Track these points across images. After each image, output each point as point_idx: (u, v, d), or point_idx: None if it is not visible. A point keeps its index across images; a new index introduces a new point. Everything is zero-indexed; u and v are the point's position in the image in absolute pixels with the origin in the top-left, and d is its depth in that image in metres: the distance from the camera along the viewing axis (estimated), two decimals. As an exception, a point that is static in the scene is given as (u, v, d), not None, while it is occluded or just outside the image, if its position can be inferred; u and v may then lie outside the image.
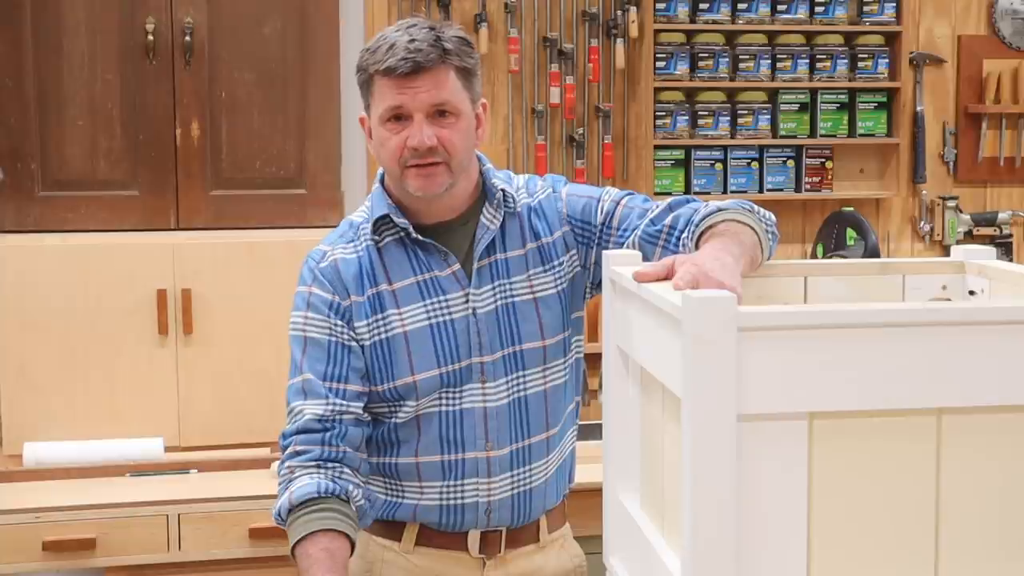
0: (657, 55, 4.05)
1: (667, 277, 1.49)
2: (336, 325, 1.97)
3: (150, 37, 3.42)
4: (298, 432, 1.95)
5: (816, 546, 1.29)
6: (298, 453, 1.94)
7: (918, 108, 4.32)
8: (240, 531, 3.19)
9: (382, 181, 2.03)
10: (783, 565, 1.29)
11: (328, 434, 1.94)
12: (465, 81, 1.93)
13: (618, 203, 2.01)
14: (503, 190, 2.01)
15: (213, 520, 3.19)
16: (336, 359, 1.96)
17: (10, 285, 3.34)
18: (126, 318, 3.38)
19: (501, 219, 2.01)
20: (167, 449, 3.41)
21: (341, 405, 1.95)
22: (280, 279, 3.31)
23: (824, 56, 4.17)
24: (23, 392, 3.35)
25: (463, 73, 1.92)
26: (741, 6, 4.09)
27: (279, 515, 1.93)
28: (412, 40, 1.87)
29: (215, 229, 3.50)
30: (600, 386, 1.74)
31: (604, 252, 1.72)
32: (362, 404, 1.98)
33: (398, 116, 1.91)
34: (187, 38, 3.43)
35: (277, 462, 2.02)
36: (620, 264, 1.63)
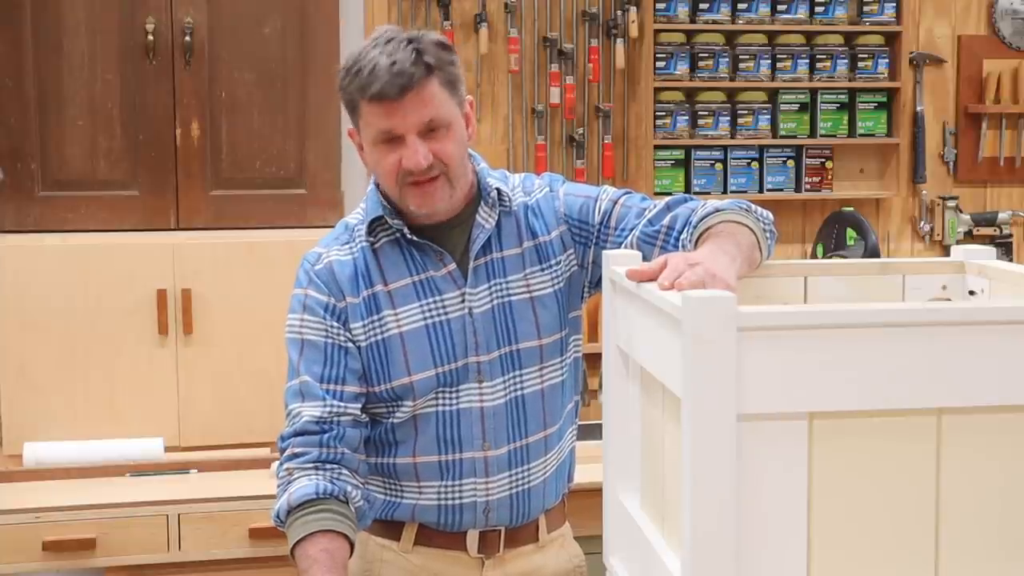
0: (657, 55, 4.05)
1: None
2: (332, 327, 1.97)
3: (150, 37, 3.42)
4: (296, 434, 1.95)
5: (816, 546, 1.29)
6: (296, 455, 1.94)
7: (918, 108, 4.32)
8: (240, 531, 3.19)
9: (377, 183, 2.03)
10: (783, 565, 1.29)
11: (326, 436, 1.94)
12: (451, 89, 1.91)
13: (615, 202, 2.01)
14: (498, 189, 2.01)
15: (213, 520, 3.19)
16: (333, 361, 1.97)
17: (10, 285, 3.34)
18: (126, 318, 3.38)
19: (496, 218, 2.01)
20: (167, 449, 3.41)
21: (338, 407, 1.95)
22: (280, 279, 3.29)
23: (824, 56, 4.17)
24: (23, 392, 3.35)
25: (447, 83, 1.91)
26: (741, 6, 4.09)
27: (278, 517, 1.93)
28: (394, 62, 1.84)
29: (215, 229, 3.50)
30: (600, 386, 1.74)
31: (604, 252, 1.72)
32: (359, 405, 1.98)
33: (390, 138, 1.90)
34: (187, 38, 3.43)
35: (276, 463, 2.03)
36: (620, 264, 1.63)
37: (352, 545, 1.92)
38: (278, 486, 1.96)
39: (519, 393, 2.02)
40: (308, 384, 1.96)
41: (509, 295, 2.01)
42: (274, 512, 1.94)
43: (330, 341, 1.97)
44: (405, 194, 1.93)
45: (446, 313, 1.99)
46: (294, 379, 1.98)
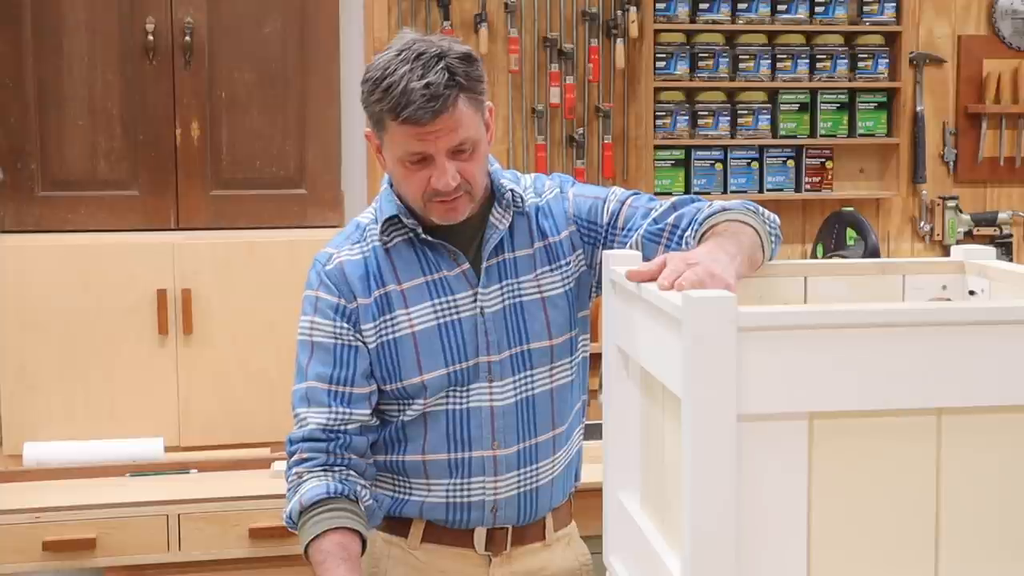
0: (657, 55, 4.05)
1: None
2: (343, 329, 1.97)
3: (150, 37, 3.42)
4: (304, 440, 1.97)
5: (816, 546, 1.30)
6: (305, 460, 1.97)
7: (918, 108, 4.32)
8: (240, 531, 3.19)
9: (391, 183, 2.02)
10: (783, 565, 1.29)
11: (332, 443, 1.96)
12: (476, 105, 1.90)
13: (623, 203, 2.02)
14: (512, 190, 2.01)
15: (213, 520, 3.19)
16: (342, 362, 1.97)
17: (10, 285, 3.33)
18: (126, 318, 3.38)
19: (510, 219, 2.01)
20: (167, 449, 3.41)
21: (344, 414, 1.96)
22: (280, 279, 3.32)
23: (824, 56, 4.17)
24: (23, 392, 3.35)
25: (474, 100, 1.90)
26: (741, 6, 4.09)
27: (290, 518, 1.94)
28: (427, 84, 1.82)
29: (215, 229, 3.49)
30: (600, 386, 1.75)
31: (604, 252, 1.72)
32: (368, 411, 1.98)
33: (419, 159, 1.89)
34: (187, 38, 3.43)
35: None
36: (620, 264, 1.63)
37: (364, 542, 1.92)
38: (288, 489, 1.97)
39: (529, 393, 2.02)
40: (315, 390, 1.97)
41: (520, 295, 2.01)
42: (286, 514, 1.95)
43: (340, 343, 1.97)
44: (429, 208, 1.93)
45: (458, 312, 1.99)
46: (301, 383, 1.99)
